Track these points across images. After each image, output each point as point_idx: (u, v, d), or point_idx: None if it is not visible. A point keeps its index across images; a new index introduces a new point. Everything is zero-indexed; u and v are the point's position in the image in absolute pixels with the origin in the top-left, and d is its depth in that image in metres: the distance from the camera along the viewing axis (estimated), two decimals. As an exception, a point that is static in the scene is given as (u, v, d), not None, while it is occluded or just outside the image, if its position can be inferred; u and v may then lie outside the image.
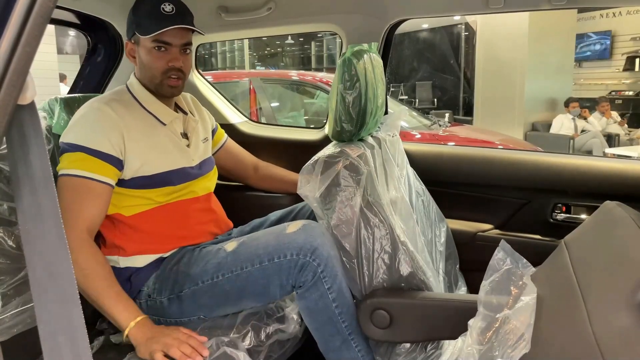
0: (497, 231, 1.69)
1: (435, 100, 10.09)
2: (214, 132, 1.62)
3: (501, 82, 7.60)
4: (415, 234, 1.35)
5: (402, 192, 1.40)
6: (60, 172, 1.20)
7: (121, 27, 1.83)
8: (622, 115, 7.61)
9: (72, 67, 10.03)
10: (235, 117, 2.11)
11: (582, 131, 6.81)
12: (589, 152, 6.40)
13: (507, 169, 1.69)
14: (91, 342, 1.22)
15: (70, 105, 1.47)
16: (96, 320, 1.33)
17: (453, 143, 4.04)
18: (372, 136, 1.44)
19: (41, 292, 0.56)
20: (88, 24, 1.87)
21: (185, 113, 1.45)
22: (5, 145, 0.60)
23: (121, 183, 1.28)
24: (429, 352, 1.19)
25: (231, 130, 1.98)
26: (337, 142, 1.32)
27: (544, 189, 1.62)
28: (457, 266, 1.60)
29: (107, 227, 1.30)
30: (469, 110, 9.39)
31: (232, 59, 16.38)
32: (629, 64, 8.75)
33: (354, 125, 1.25)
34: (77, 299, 0.57)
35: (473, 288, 1.58)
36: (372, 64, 1.31)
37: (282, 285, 1.17)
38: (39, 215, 0.57)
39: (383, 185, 1.33)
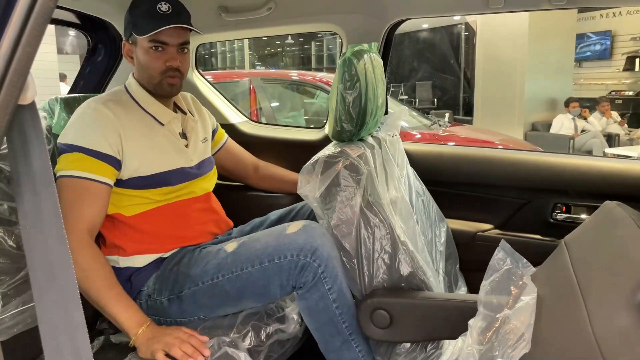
0: (497, 231, 1.69)
1: (435, 100, 10.09)
2: (214, 132, 1.62)
3: (501, 82, 7.60)
4: (416, 233, 1.35)
5: (402, 192, 1.40)
6: (58, 174, 1.20)
7: (121, 27, 1.82)
8: (622, 115, 7.61)
9: (72, 67, 10.03)
10: (235, 117, 2.11)
11: (582, 131, 6.81)
12: (589, 152, 6.40)
13: (507, 169, 1.69)
14: (91, 341, 1.22)
15: (70, 105, 1.47)
16: (96, 320, 1.33)
17: (453, 143, 4.04)
18: (372, 136, 1.44)
19: (42, 291, 0.56)
20: (88, 24, 1.87)
21: (184, 113, 1.45)
22: (5, 145, 0.60)
23: (119, 183, 1.27)
24: (429, 352, 1.19)
25: (231, 130, 1.98)
26: (337, 142, 1.32)
27: (544, 189, 1.62)
28: (457, 266, 1.60)
29: (107, 227, 1.30)
30: (469, 110, 9.39)
31: (232, 58, 16.38)
32: (629, 64, 8.75)
33: (354, 125, 1.25)
34: (78, 299, 0.57)
35: (473, 288, 1.58)
36: (372, 64, 1.31)
37: (282, 286, 1.17)
38: (39, 215, 0.57)
39: (383, 185, 1.33)
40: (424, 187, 1.60)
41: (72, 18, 1.82)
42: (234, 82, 4.41)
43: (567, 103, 6.96)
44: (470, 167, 1.75)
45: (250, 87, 4.19)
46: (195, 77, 2.09)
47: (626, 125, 7.40)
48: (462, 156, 1.80)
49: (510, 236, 1.64)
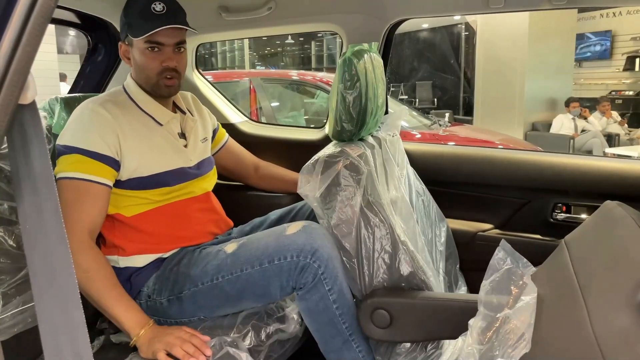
0: (497, 231, 1.69)
1: (436, 100, 10.09)
2: (215, 132, 1.62)
3: (501, 82, 7.60)
4: (416, 233, 1.35)
5: (402, 192, 1.40)
6: (58, 176, 1.19)
7: (121, 27, 1.83)
8: (622, 115, 7.61)
9: (72, 67, 10.02)
10: (235, 116, 2.11)
11: (582, 131, 6.81)
12: (589, 152, 6.40)
13: (507, 169, 1.69)
14: (91, 341, 1.22)
15: (70, 105, 1.47)
16: (96, 320, 1.33)
17: (453, 143, 4.04)
18: (372, 136, 1.44)
19: (42, 291, 0.56)
20: (88, 24, 1.87)
21: (183, 113, 1.45)
22: (6, 145, 0.60)
23: (118, 184, 1.27)
24: (429, 351, 1.19)
25: (231, 129, 1.98)
26: (338, 142, 1.32)
27: (544, 189, 1.62)
28: (457, 266, 1.60)
29: (107, 227, 1.30)
30: (469, 110, 9.39)
31: (232, 58, 16.37)
32: (629, 64, 8.75)
33: (354, 125, 1.25)
34: (78, 299, 0.57)
35: (473, 288, 1.58)
36: (372, 63, 1.31)
37: (282, 287, 1.17)
38: (39, 214, 0.57)
39: (383, 185, 1.33)
40: (424, 186, 1.60)
41: (72, 18, 1.82)
42: (234, 82, 4.41)
43: (568, 103, 6.96)
44: (471, 167, 1.75)
45: (250, 87, 4.19)
46: (196, 77, 2.08)
47: (626, 125, 7.40)
48: (462, 156, 1.80)
49: (510, 236, 1.64)
